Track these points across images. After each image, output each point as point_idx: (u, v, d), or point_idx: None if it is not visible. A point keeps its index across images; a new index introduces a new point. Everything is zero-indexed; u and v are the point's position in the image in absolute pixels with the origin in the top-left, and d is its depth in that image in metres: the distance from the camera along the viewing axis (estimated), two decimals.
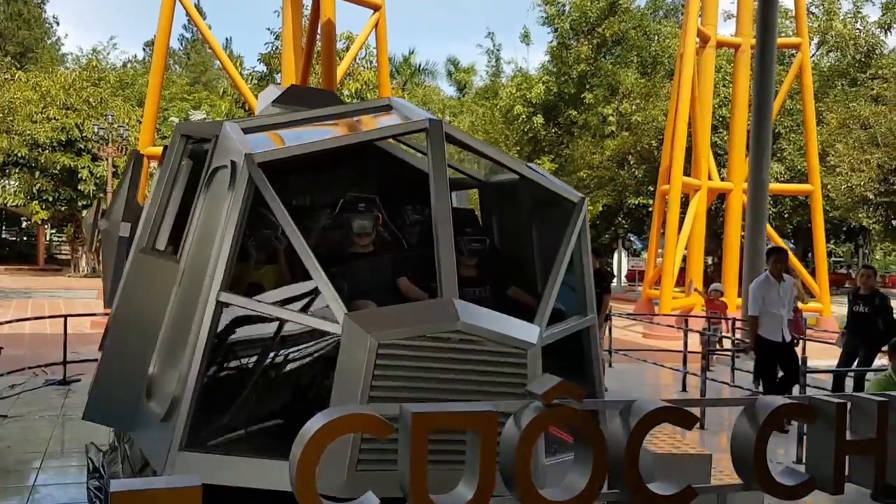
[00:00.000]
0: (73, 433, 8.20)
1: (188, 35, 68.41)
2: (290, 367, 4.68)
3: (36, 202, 38.75)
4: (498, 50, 50.17)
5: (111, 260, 6.37)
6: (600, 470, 2.54)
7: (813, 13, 34.47)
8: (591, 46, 36.53)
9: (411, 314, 4.18)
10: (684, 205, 24.00)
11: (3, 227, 54.79)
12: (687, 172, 23.32)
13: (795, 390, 8.78)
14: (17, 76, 40.10)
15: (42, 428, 8.53)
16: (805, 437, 7.50)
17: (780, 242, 24.58)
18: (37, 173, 38.16)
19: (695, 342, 13.36)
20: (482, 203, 6.86)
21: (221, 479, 3.85)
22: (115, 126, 36.54)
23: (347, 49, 28.62)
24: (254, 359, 4.65)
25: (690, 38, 22.51)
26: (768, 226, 16.88)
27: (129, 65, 58.35)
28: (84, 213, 34.03)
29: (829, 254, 32.46)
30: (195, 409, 4.09)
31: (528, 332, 4.20)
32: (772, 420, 2.76)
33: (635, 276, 46.63)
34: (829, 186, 27.25)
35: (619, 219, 38.05)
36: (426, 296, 5.04)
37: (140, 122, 27.50)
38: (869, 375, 10.03)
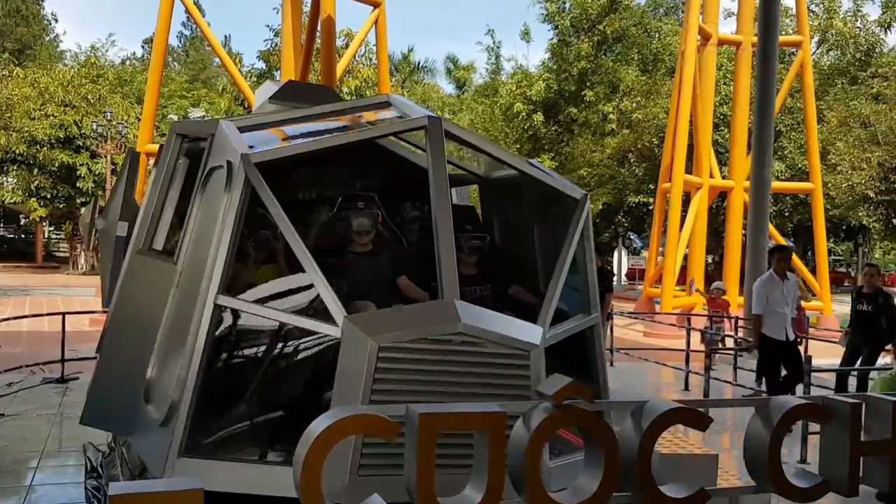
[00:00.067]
0: (70, 432, 8.12)
1: (187, 32, 68.34)
2: (289, 371, 4.61)
3: (34, 199, 38.72)
4: (498, 47, 50.05)
5: (109, 259, 6.31)
6: (612, 473, 2.48)
7: (813, 11, 34.40)
8: (591, 44, 36.45)
9: (412, 316, 4.11)
10: (685, 203, 23.94)
11: (2, 225, 54.72)
12: (688, 170, 23.26)
13: (799, 389, 8.73)
14: (15, 73, 40.07)
15: (40, 427, 8.46)
16: (809, 436, 7.49)
17: (782, 241, 24.56)
18: (35, 170, 38.14)
19: (695, 341, 13.32)
20: (482, 199, 6.80)
21: (222, 486, 3.79)
22: (114, 123, 36.54)
23: (347, 46, 28.55)
24: (252, 363, 4.58)
25: (692, 36, 22.45)
26: (770, 224, 16.80)
27: (127, 62, 58.35)
28: (83, 210, 33.95)
29: (829, 252, 32.36)
30: (194, 414, 4.03)
31: (530, 333, 4.14)
32: (786, 421, 2.70)
33: (635, 275, 46.62)
34: (829, 185, 27.20)
35: (620, 217, 37.98)
36: (426, 295, 4.98)
37: (139, 120, 27.46)
38: (873, 374, 9.99)
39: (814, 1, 34.97)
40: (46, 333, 15.17)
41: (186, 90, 49.34)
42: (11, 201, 39.94)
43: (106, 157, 36.95)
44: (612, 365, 13.57)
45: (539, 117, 36.88)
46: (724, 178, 24.82)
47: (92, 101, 38.88)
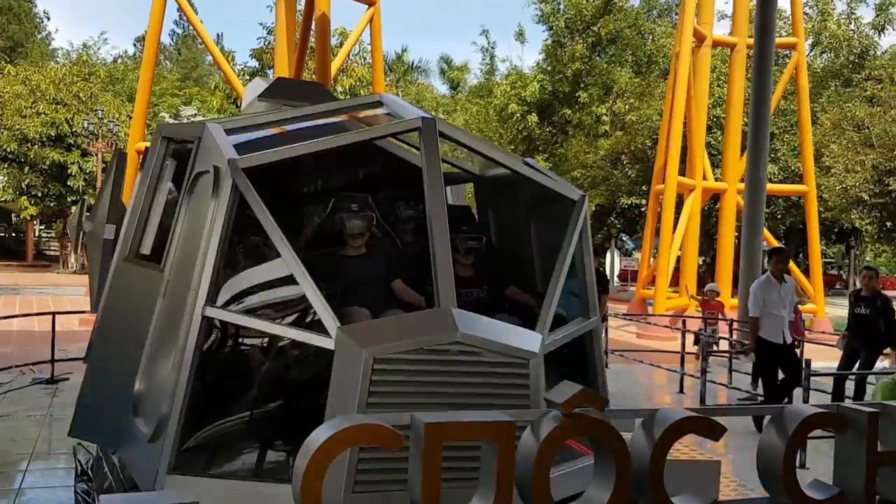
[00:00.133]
0: (60, 434, 7.95)
1: (179, 31, 68.11)
2: (281, 384, 4.50)
3: (25, 198, 38.47)
4: (492, 48, 50.07)
5: (97, 262, 6.20)
6: (624, 483, 2.39)
7: (807, 14, 34.44)
8: (585, 45, 36.44)
9: (407, 326, 3.99)
10: (678, 205, 23.94)
11: None
12: (680, 172, 23.25)
13: (798, 393, 8.67)
14: (6, 70, 39.82)
15: (29, 428, 8.34)
16: (808, 440, 7.42)
17: (775, 243, 24.55)
18: (26, 168, 37.89)
19: (688, 343, 13.27)
20: (478, 198, 6.70)
21: None
22: (105, 121, 36.33)
23: (341, 45, 28.46)
24: (243, 376, 4.46)
25: (686, 37, 22.42)
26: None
27: (119, 60, 58.14)
28: (73, 209, 33.77)
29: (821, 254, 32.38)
30: (183, 430, 3.91)
31: (529, 340, 4.03)
32: (802, 430, 2.62)
33: (627, 276, 46.60)
34: (823, 187, 27.22)
35: (612, 219, 37.96)
36: (422, 299, 4.89)
37: (130, 118, 27.29)
38: (871, 379, 9.93)
39: (808, 3, 35.02)
40: (36, 333, 15.03)
41: (178, 88, 49.16)
42: (2, 200, 39.67)
43: (97, 155, 36.74)
44: (606, 367, 13.51)
45: (533, 118, 36.85)
46: (716, 180, 24.79)
47: (83, 99, 38.64)
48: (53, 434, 8.16)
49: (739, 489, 6.60)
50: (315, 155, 4.55)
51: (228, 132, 4.68)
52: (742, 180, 19.04)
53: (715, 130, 29.62)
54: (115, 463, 5.12)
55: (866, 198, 26.25)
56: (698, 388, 10.62)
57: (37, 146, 37.17)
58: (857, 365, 9.97)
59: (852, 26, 35.25)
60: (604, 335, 13.74)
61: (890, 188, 25.70)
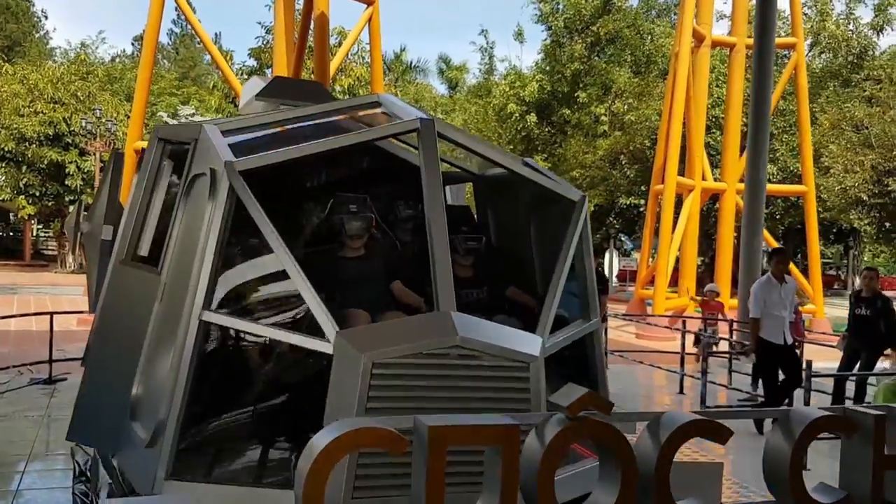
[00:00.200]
0: (58, 434, 7.93)
1: (177, 30, 67.98)
2: (280, 389, 4.45)
3: (22, 197, 38.42)
4: (491, 48, 50.10)
5: (95, 262, 6.17)
6: (629, 487, 2.36)
7: (806, 14, 34.45)
8: (584, 45, 36.44)
9: (406, 330, 3.94)
10: (677, 205, 23.93)
11: None
12: (680, 172, 23.23)
13: (798, 394, 8.65)
14: (4, 69, 39.76)
15: (27, 428, 8.32)
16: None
17: (774, 243, 24.54)
18: (23, 168, 37.85)
19: (688, 343, 13.24)
20: (477, 197, 6.66)
21: None
22: (103, 121, 36.30)
23: (340, 45, 28.42)
24: (241, 381, 4.42)
25: (686, 38, 22.39)
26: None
27: (117, 59, 58.08)
28: (71, 208, 33.72)
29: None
30: (180, 435, 3.87)
31: (530, 344, 3.99)
32: (808, 433, 2.59)
33: (626, 276, 46.59)
34: (822, 188, 27.22)
35: (611, 219, 37.95)
36: (421, 300, 4.85)
37: (128, 117, 27.24)
38: (872, 380, 9.91)
39: (807, 3, 35.02)
40: (34, 333, 14.99)
41: (176, 87, 49.13)
42: (0, 199, 39.62)
43: (95, 154, 36.69)
44: (606, 367, 13.49)
45: (532, 118, 36.83)
46: (716, 180, 24.77)
47: (81, 98, 38.59)
48: (51, 435, 8.13)
49: (739, 490, 6.58)
50: (313, 157, 4.52)
51: (225, 133, 4.62)
52: (741, 180, 19.03)
53: (714, 130, 29.61)
54: (115, 466, 5.08)
55: (865, 198, 26.25)
56: (698, 389, 10.59)
57: (34, 145, 37.12)
58: (857, 366, 9.95)
59: (851, 26, 35.28)
60: (603, 336, 13.77)
61: (889, 188, 25.70)
